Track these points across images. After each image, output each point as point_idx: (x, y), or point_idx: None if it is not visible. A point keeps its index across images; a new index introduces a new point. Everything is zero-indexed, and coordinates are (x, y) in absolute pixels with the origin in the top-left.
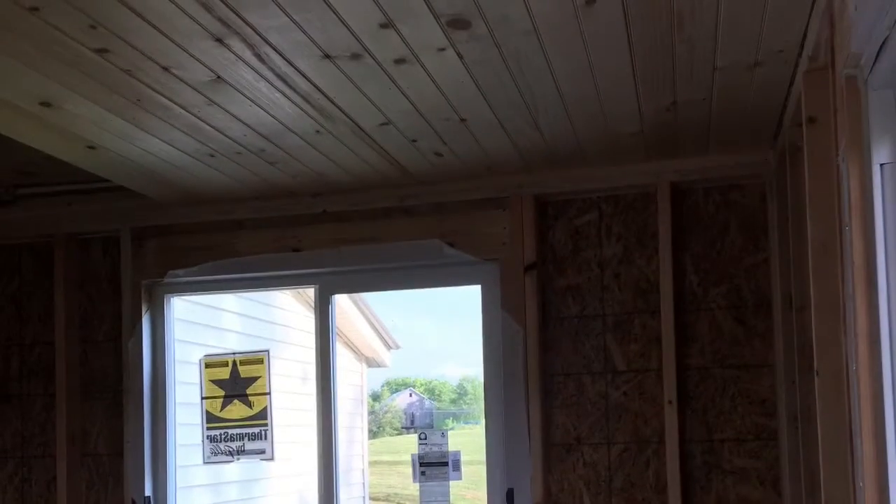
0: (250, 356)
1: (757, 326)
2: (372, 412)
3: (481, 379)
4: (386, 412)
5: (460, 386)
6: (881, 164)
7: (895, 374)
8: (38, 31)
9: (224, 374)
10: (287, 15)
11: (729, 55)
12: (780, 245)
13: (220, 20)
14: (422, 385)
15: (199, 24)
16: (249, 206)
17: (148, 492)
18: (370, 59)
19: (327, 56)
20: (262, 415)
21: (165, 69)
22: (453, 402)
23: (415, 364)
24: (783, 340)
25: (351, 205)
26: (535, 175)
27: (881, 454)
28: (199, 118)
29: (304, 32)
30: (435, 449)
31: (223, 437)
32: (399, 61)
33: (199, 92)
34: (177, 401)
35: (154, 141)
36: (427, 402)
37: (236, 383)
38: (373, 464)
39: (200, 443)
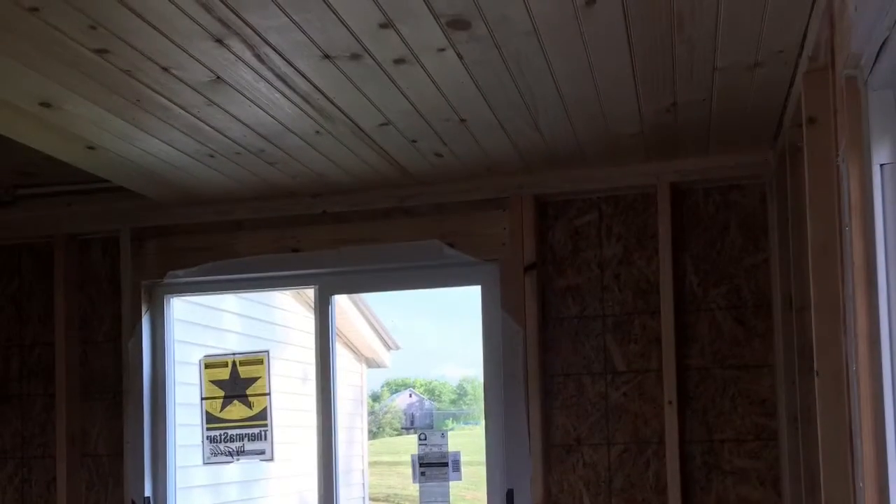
0: (250, 357)
1: (757, 327)
2: (372, 413)
3: (481, 379)
4: (386, 413)
5: (460, 386)
6: (881, 165)
7: (895, 374)
8: (37, 32)
9: (224, 374)
10: (287, 15)
11: (729, 56)
12: (780, 245)
13: (220, 21)
14: (422, 386)
15: (199, 25)
16: (249, 206)
17: (148, 492)
18: (370, 60)
19: (327, 56)
20: (262, 415)
21: (165, 70)
22: (453, 402)
23: (415, 365)
24: (783, 341)
25: (351, 205)
26: (535, 176)
27: (881, 454)
28: (198, 118)
29: (304, 33)
30: (435, 449)
31: (223, 437)
32: (399, 62)
33: (198, 92)
34: (176, 401)
35: (154, 141)
36: (427, 403)
37: (236, 384)
38: (372, 464)
39: (200, 443)
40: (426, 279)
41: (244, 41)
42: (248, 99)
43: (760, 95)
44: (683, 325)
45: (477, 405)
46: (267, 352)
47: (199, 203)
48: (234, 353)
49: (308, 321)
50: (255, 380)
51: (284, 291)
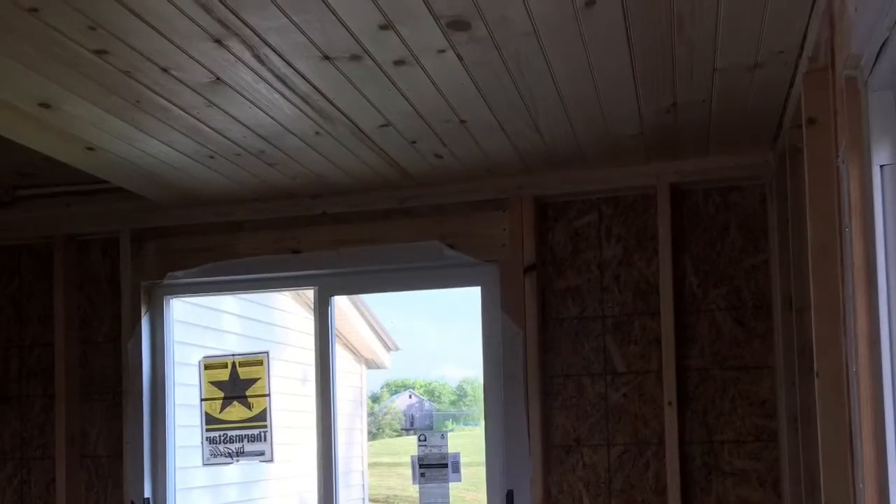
0: (250, 358)
1: (757, 328)
2: (371, 414)
3: (481, 380)
4: (385, 414)
5: (460, 387)
6: (881, 166)
7: (895, 375)
8: (37, 32)
9: (223, 375)
10: (286, 16)
11: (729, 56)
12: (779, 246)
13: (220, 21)
14: (421, 387)
15: (199, 26)
16: (249, 207)
17: (147, 493)
18: (370, 61)
19: (327, 57)
20: (262, 416)
21: (165, 70)
22: (453, 403)
23: (414, 366)
24: (783, 342)
25: (350, 206)
26: (534, 176)
27: (881, 455)
28: (198, 119)
29: (304, 34)
30: (434, 450)
31: (222, 438)
32: (399, 63)
33: (198, 93)
34: (176, 402)
35: (153, 142)
36: (427, 404)
37: (236, 385)
38: (372, 465)
39: (200, 444)
40: (426, 280)
41: (244, 42)
42: (247, 100)
43: (760, 96)
44: (683, 326)
45: (477, 406)
46: (266, 353)
47: (199, 204)
48: (233, 355)
49: (308, 322)
50: (254, 381)
51: (284, 292)
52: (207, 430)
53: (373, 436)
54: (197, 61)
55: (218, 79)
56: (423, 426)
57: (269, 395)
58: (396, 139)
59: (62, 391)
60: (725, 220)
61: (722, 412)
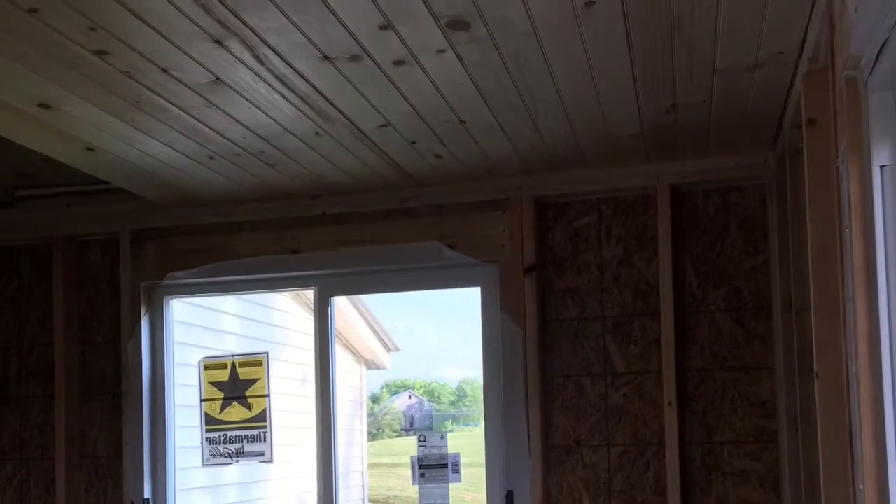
0: (249, 358)
1: (757, 328)
2: (371, 414)
3: (481, 381)
4: (385, 414)
5: (460, 388)
6: (881, 166)
7: (895, 376)
8: (37, 33)
9: (223, 376)
10: (286, 16)
11: (729, 57)
12: (779, 247)
13: (220, 22)
14: (421, 387)
15: (198, 26)
16: (248, 208)
17: (147, 494)
18: (369, 61)
19: (326, 58)
20: (262, 417)
21: (164, 71)
22: (453, 404)
23: (414, 366)
24: (783, 342)
25: (350, 207)
26: (534, 177)
27: (881, 456)
28: (198, 120)
29: (303, 34)
30: (434, 451)
31: (222, 439)
32: (398, 63)
33: (198, 93)
34: (176, 403)
35: (153, 143)
36: (426, 405)
37: (235, 385)
38: (372, 466)
39: (199, 445)
40: (426, 281)
41: (243, 42)
42: (247, 100)
43: (760, 97)
44: (683, 327)
45: (476, 407)
46: (266, 353)
47: (199, 204)
48: (233, 355)
49: (307, 323)
50: (254, 381)
51: (284, 293)
52: (207, 430)
53: (372, 436)
54: (197, 62)
55: (218, 79)
56: (422, 427)
57: (268, 395)
58: (396, 139)
59: (62, 392)
60: (725, 221)
61: (722, 413)
